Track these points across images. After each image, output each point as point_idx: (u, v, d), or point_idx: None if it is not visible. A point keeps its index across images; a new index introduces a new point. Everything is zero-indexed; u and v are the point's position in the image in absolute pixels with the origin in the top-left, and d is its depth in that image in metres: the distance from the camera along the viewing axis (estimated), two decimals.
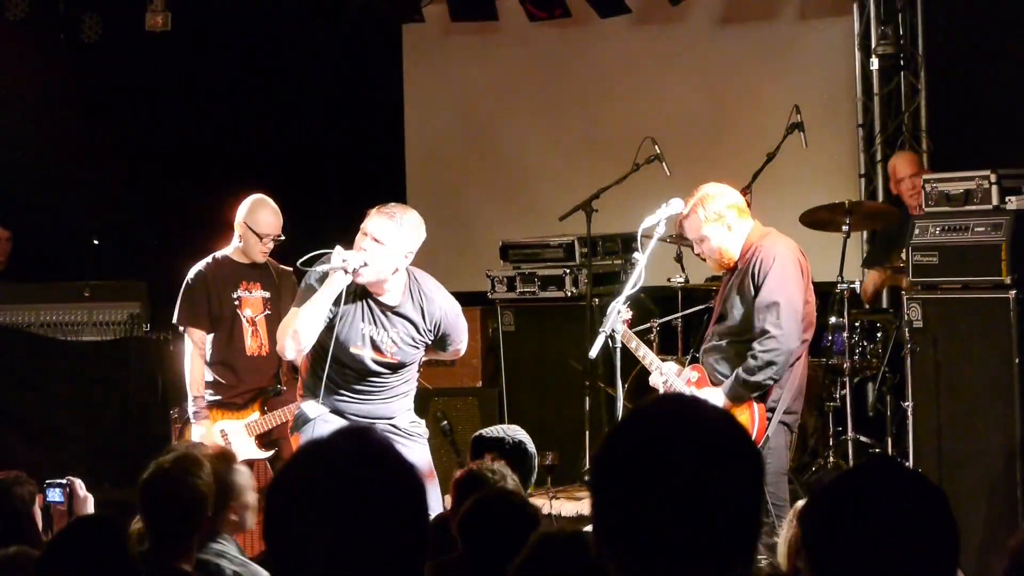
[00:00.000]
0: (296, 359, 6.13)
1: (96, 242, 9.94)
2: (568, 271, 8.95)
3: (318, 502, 2.10)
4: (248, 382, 7.11)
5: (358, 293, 5.85)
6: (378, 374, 5.93)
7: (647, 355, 6.50)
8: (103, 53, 10.18)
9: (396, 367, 5.96)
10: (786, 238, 6.37)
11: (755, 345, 6.07)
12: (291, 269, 7.22)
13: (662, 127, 8.92)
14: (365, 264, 5.73)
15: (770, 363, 6.05)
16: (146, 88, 10.45)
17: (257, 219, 7.07)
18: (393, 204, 5.96)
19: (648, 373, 6.53)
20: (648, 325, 8.11)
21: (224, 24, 10.31)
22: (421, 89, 11.00)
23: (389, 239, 5.77)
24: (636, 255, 6.28)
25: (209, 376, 7.07)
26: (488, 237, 9.36)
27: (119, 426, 8.49)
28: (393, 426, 5.93)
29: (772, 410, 6.10)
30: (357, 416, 5.91)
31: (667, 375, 6.37)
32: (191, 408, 7.01)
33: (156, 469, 4.39)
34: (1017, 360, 6.78)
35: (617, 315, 6.27)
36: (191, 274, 7.15)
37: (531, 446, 5.47)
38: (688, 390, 6.24)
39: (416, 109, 10.98)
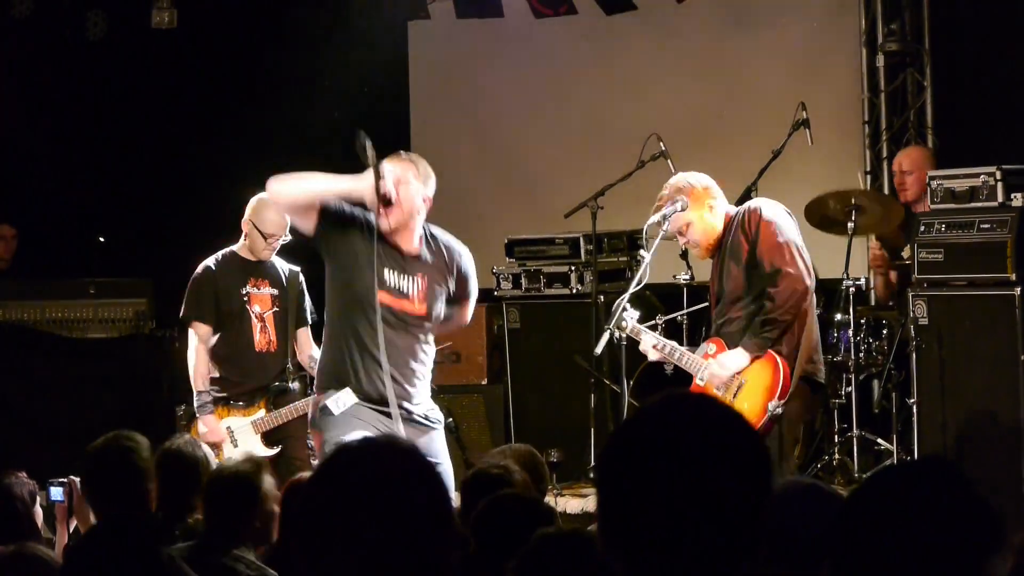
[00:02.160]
0: (277, 200, 6.02)
1: (101, 239, 9.94)
2: (573, 268, 8.94)
3: (347, 511, 2.12)
4: (255, 379, 7.10)
5: (379, 245, 5.84)
6: (406, 327, 5.84)
7: (667, 346, 6.42)
8: (108, 51, 10.18)
9: (423, 320, 5.89)
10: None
11: (768, 289, 6.04)
12: (299, 269, 7.21)
13: (667, 124, 8.91)
14: (395, 194, 5.75)
15: (788, 298, 6.02)
16: (152, 86, 10.45)
17: (262, 218, 7.02)
18: (403, 151, 6.04)
19: (660, 366, 6.50)
20: (654, 322, 8.10)
21: (230, 21, 10.32)
22: (427, 86, 10.99)
23: (412, 179, 5.85)
24: (642, 252, 6.27)
25: (216, 372, 7.06)
26: (493, 234, 9.33)
27: (123, 424, 8.47)
28: (411, 412, 5.89)
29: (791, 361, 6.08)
30: (379, 406, 5.80)
31: (693, 361, 6.29)
32: (195, 402, 7.01)
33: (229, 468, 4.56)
34: (1022, 357, 6.78)
35: (622, 312, 6.25)
36: (199, 269, 7.14)
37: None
38: (706, 363, 6.18)
39: (421, 106, 10.97)
